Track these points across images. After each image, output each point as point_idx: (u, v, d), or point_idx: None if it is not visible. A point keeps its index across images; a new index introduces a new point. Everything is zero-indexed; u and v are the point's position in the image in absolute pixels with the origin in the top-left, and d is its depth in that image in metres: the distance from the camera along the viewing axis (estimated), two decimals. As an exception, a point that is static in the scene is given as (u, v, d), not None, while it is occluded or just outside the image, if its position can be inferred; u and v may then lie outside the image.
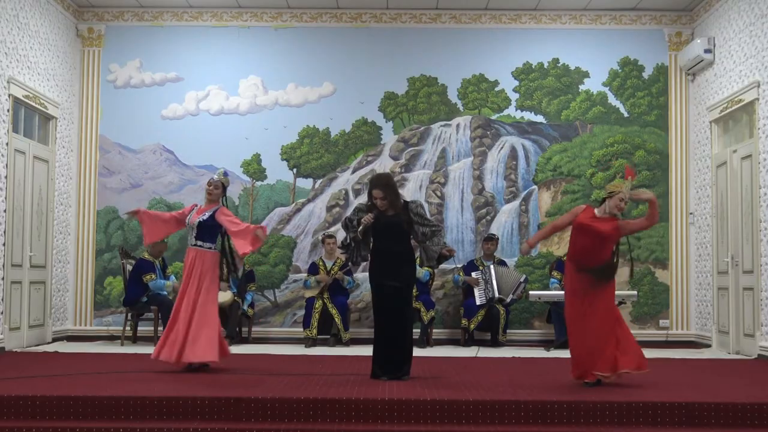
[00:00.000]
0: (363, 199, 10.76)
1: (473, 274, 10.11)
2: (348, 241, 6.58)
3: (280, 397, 5.30)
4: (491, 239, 10.30)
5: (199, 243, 7.06)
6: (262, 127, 10.89)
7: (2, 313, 8.79)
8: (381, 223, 6.43)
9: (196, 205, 7.33)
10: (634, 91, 10.89)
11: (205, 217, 7.04)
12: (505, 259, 10.43)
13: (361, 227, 6.44)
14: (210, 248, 7.08)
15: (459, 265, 10.31)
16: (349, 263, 6.55)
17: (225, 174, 7.38)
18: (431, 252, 6.50)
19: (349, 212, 10.66)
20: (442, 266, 10.50)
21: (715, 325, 9.88)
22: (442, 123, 10.93)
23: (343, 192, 10.85)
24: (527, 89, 10.94)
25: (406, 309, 6.50)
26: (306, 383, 6.02)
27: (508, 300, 9.98)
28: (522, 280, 10.03)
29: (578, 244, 6.20)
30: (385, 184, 6.44)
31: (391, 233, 6.42)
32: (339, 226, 10.75)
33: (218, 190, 7.19)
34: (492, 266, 10.10)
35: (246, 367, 7.14)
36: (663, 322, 10.61)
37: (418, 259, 6.83)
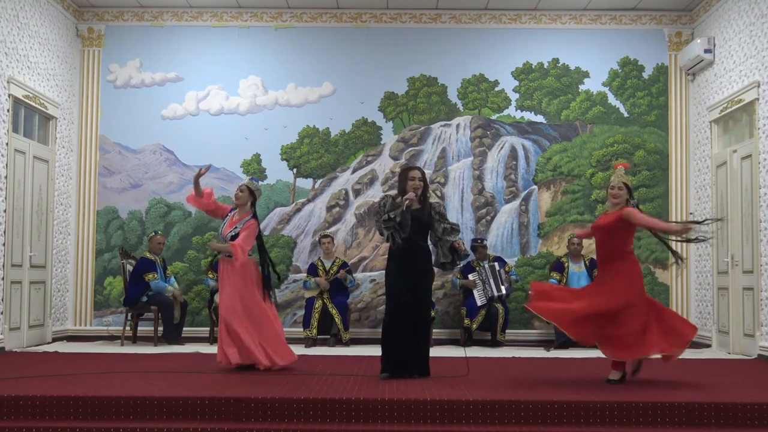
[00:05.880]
0: (362, 199, 10.78)
1: (470, 276, 10.11)
2: (393, 216, 6.35)
3: (280, 397, 5.29)
4: (475, 245, 10.26)
5: (227, 254, 7.05)
6: (262, 127, 10.89)
7: (2, 313, 8.79)
8: (410, 216, 6.42)
9: (233, 210, 7.28)
10: (634, 91, 10.89)
11: (235, 232, 7.02)
12: (505, 259, 10.43)
13: (406, 201, 6.34)
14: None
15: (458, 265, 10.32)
16: (390, 239, 6.42)
17: (253, 180, 7.33)
18: (445, 242, 6.50)
19: (350, 212, 10.75)
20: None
21: (715, 325, 9.88)
22: (442, 123, 10.93)
23: (343, 192, 10.85)
24: (527, 89, 10.94)
25: (426, 305, 6.55)
26: (306, 383, 6.02)
27: (504, 291, 9.98)
28: (497, 269, 10.04)
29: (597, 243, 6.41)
30: (422, 170, 6.65)
31: (414, 227, 6.42)
32: (338, 226, 10.77)
33: (243, 194, 7.16)
34: (487, 265, 10.10)
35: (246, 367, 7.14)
36: (663, 322, 10.60)
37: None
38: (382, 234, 6.49)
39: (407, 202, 6.34)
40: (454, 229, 6.58)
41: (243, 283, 6.98)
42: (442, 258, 6.54)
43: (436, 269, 6.69)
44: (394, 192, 6.73)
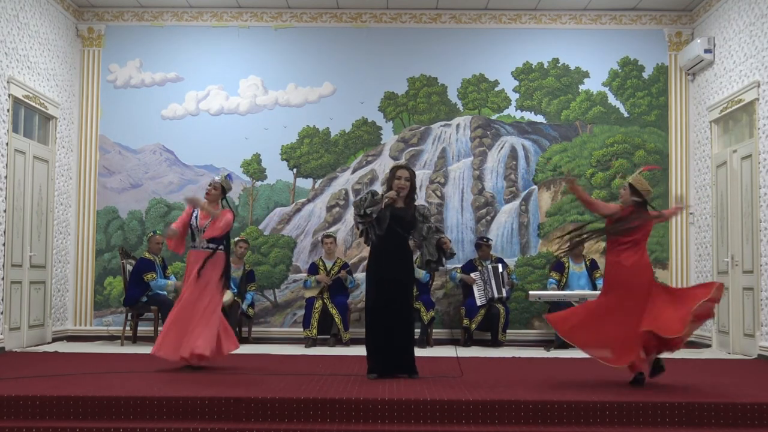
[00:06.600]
0: (363, 199, 10.77)
1: (472, 275, 10.11)
2: (370, 212, 6.35)
3: (280, 397, 5.29)
4: (480, 243, 10.29)
5: (203, 245, 7.16)
6: (262, 127, 10.89)
7: (2, 313, 8.79)
8: (389, 214, 6.40)
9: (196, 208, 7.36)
10: (634, 91, 10.89)
11: (209, 222, 7.16)
12: (505, 259, 10.43)
13: (386, 199, 6.33)
14: (218, 249, 7.17)
15: (458, 265, 10.32)
16: (363, 234, 6.45)
17: (227, 177, 7.48)
18: (431, 240, 6.47)
19: (350, 212, 10.74)
20: (442, 266, 10.57)
21: (715, 325, 9.88)
22: (442, 123, 10.93)
23: (343, 192, 10.85)
24: (527, 89, 10.94)
25: (409, 303, 6.55)
26: (306, 383, 6.02)
27: (504, 294, 9.98)
28: (501, 270, 10.04)
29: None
30: (412, 170, 6.64)
31: (397, 226, 6.41)
32: (339, 226, 10.77)
33: (216, 191, 7.32)
34: (490, 266, 10.10)
35: (246, 367, 7.14)
36: (663, 322, 10.59)
37: (417, 260, 6.79)
38: (357, 228, 6.53)
39: (386, 200, 6.35)
40: (439, 229, 6.59)
41: (209, 277, 7.06)
42: (428, 256, 6.51)
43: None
44: (379, 188, 6.75)
